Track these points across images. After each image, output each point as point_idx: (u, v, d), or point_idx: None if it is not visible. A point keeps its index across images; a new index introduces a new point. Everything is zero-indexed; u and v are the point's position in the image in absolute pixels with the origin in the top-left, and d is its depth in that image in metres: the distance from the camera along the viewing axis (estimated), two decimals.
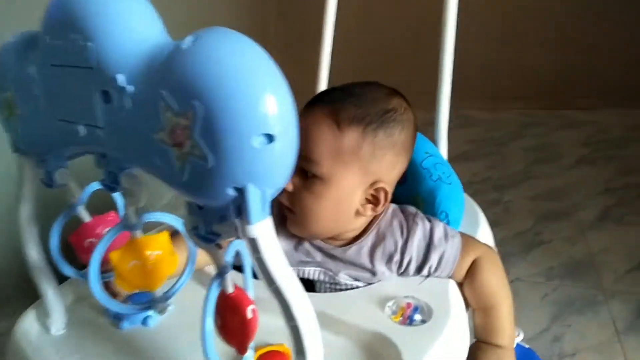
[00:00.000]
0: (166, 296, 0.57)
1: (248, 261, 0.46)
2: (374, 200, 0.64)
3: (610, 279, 1.28)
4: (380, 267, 0.65)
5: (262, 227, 0.36)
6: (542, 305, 1.22)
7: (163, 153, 0.35)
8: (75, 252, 0.62)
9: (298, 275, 0.66)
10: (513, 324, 0.67)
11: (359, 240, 0.66)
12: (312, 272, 0.66)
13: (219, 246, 0.42)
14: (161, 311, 0.58)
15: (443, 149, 0.81)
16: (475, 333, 0.69)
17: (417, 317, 0.58)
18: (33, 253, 0.57)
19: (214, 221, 0.37)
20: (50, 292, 0.60)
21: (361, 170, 0.62)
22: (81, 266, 0.60)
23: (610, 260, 1.35)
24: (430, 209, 0.72)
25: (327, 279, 0.66)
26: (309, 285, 0.66)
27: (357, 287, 0.65)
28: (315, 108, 0.63)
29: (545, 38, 2.37)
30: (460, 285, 0.65)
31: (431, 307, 0.59)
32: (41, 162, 0.51)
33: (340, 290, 0.66)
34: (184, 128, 0.33)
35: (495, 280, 0.65)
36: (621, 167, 1.85)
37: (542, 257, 1.40)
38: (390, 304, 0.60)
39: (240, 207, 0.35)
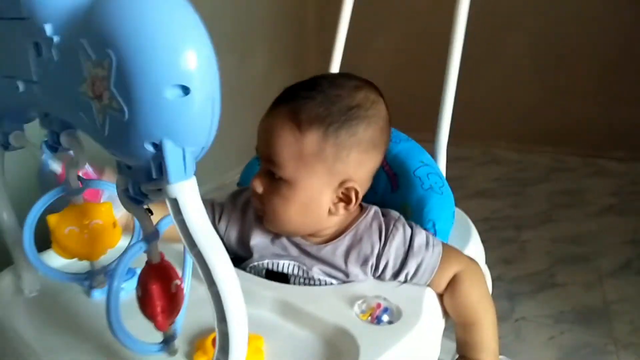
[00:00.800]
0: (106, 269, 0.57)
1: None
2: (345, 199, 0.63)
3: (624, 330, 1.20)
4: (354, 269, 0.64)
5: (184, 188, 0.35)
6: (547, 347, 1.16)
7: (87, 107, 0.35)
8: None
9: (272, 269, 0.65)
10: (496, 339, 0.64)
11: (335, 240, 0.65)
12: (286, 266, 0.65)
13: (150, 211, 0.42)
14: (98, 285, 0.58)
15: (441, 164, 0.79)
16: (457, 349, 0.66)
17: (385, 317, 0.57)
18: (4, 216, 0.59)
19: (141, 181, 0.37)
20: (22, 259, 0.61)
21: (326, 172, 0.61)
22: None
23: (626, 310, 1.27)
24: (418, 218, 0.70)
25: (301, 273, 0.65)
26: (284, 279, 0.65)
27: (331, 284, 0.64)
28: (278, 108, 0.62)
29: (583, 85, 2.33)
30: (441, 297, 0.63)
31: (401, 310, 0.57)
32: None
33: (314, 285, 0.64)
34: (102, 79, 0.32)
35: (477, 295, 0.63)
36: None
37: (553, 299, 1.33)
38: (359, 302, 0.58)
39: (161, 165, 0.34)
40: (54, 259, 0.63)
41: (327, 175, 0.61)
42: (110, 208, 0.54)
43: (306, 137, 0.59)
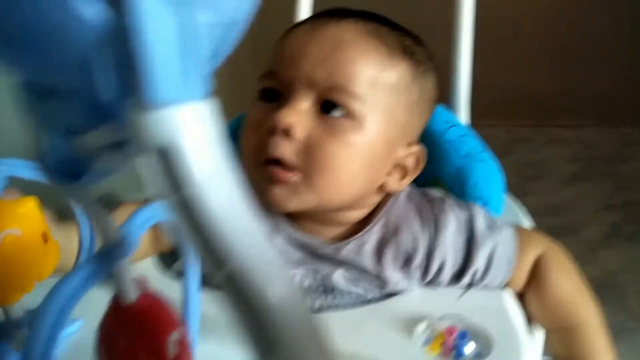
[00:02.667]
0: (28, 317, 0.32)
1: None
2: (402, 170, 0.46)
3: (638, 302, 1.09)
4: (393, 273, 0.44)
5: (184, 119, 0.15)
6: None
7: None
8: None
9: None
10: (609, 345, 0.46)
11: (360, 234, 0.45)
12: (296, 277, 0.44)
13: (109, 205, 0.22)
14: (16, 346, 0.33)
15: (464, 121, 0.61)
16: None
17: (468, 348, 0.37)
18: None
19: (80, 122, 0.16)
20: None
21: (404, 121, 0.44)
22: None
23: (633, 280, 1.17)
24: (459, 196, 0.51)
25: (316, 283, 0.44)
26: None
27: (359, 294, 0.43)
28: (350, 21, 0.43)
29: (530, 55, 2.30)
30: (520, 296, 0.45)
31: (487, 331, 0.38)
32: None
33: (336, 298, 0.44)
34: None
35: (571, 286, 0.46)
36: (618, 184, 1.72)
37: None
38: (421, 327, 0.38)
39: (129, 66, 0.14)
40: None
41: (403, 126, 0.44)
42: (35, 208, 0.31)
43: (397, 68, 0.43)
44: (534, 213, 1.53)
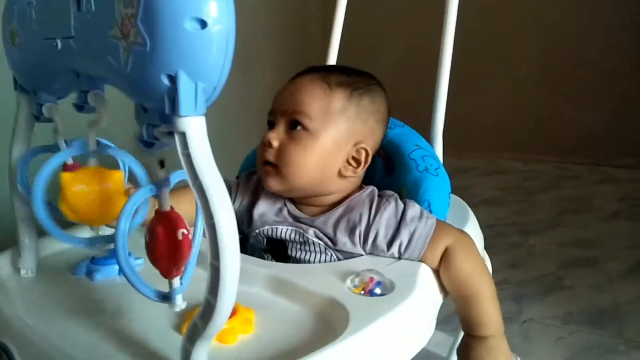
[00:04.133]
0: (107, 239, 0.57)
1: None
2: (355, 162, 0.67)
3: (636, 330, 1.17)
4: (342, 237, 0.65)
5: (193, 123, 0.37)
6: (556, 347, 1.13)
7: (115, 49, 0.39)
8: None
9: (272, 235, 0.68)
10: (498, 311, 0.63)
11: (329, 212, 0.67)
12: (284, 231, 0.67)
13: (162, 164, 0.43)
14: (99, 253, 0.58)
15: (438, 149, 0.79)
16: (462, 327, 0.66)
17: (378, 290, 0.56)
18: (19, 194, 0.60)
19: (155, 123, 0.40)
20: (27, 235, 0.62)
21: (347, 129, 0.66)
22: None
23: (638, 311, 1.24)
24: (414, 199, 0.69)
25: (298, 238, 0.67)
26: (282, 246, 0.67)
27: (326, 245, 0.65)
28: (308, 72, 0.69)
29: (589, 94, 2.34)
30: (437, 273, 0.62)
31: (395, 283, 0.57)
32: (34, 96, 0.56)
33: (310, 251, 0.66)
34: (131, 17, 0.36)
35: (470, 265, 0.62)
36: None
37: (561, 301, 1.30)
38: (352, 277, 0.58)
39: (174, 101, 0.37)
40: None
41: (346, 131, 0.67)
42: (121, 177, 0.55)
43: (334, 94, 0.66)
44: (560, 244, 1.62)
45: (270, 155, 0.66)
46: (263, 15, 2.19)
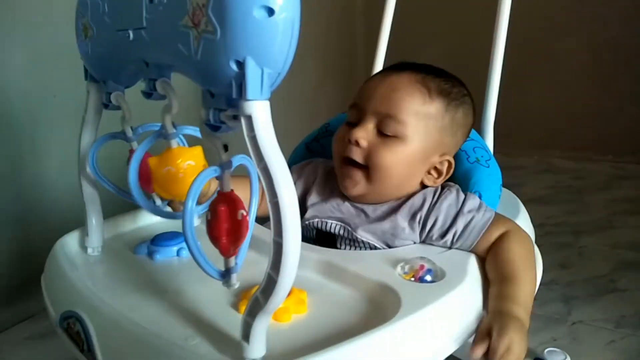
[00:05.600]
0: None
1: (255, 177, 0.48)
2: (436, 172, 0.67)
3: None
4: (402, 222, 0.65)
5: (259, 107, 0.39)
6: (607, 351, 1.09)
7: (185, 37, 0.41)
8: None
9: (321, 228, 0.68)
10: (532, 299, 0.59)
11: (393, 201, 0.68)
12: (333, 226, 0.68)
13: (226, 148, 0.46)
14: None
15: (489, 141, 0.79)
16: (488, 306, 0.59)
17: (428, 277, 0.57)
18: (88, 177, 0.64)
19: (222, 107, 0.42)
20: (93, 217, 0.66)
21: (438, 139, 0.66)
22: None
23: None
24: (465, 190, 0.70)
25: (346, 235, 0.66)
26: (331, 239, 0.68)
27: (375, 247, 0.65)
28: (406, 73, 0.66)
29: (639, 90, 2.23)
30: (483, 260, 0.62)
31: (445, 272, 0.57)
32: (103, 85, 0.60)
33: (358, 248, 0.66)
34: (202, 6, 0.38)
35: (520, 252, 0.61)
36: None
37: (613, 304, 1.25)
38: (402, 264, 0.59)
39: (241, 86, 0.38)
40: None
41: (436, 142, 0.66)
42: (201, 152, 0.58)
43: (434, 103, 0.65)
44: (614, 246, 1.56)
45: (358, 155, 0.65)
46: (310, 12, 2.20)
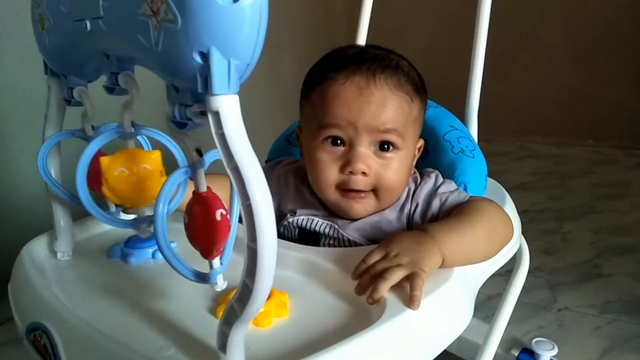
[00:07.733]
0: (150, 218, 0.56)
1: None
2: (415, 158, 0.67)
3: None
4: (390, 215, 0.64)
5: (227, 101, 0.36)
6: (593, 336, 1.09)
7: (145, 27, 0.37)
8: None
9: (306, 226, 0.66)
10: (464, 249, 0.55)
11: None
12: (319, 224, 0.65)
13: (199, 153, 0.43)
14: (143, 232, 0.58)
15: (473, 130, 0.77)
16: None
17: None
18: (52, 173, 0.60)
19: (187, 102, 0.38)
20: (61, 219, 0.63)
21: (419, 132, 0.65)
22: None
23: None
24: None
25: (332, 233, 0.64)
26: (314, 238, 0.65)
27: (361, 245, 0.62)
28: (382, 80, 0.60)
29: (624, 74, 2.24)
30: None
31: None
32: (64, 79, 0.56)
33: (344, 247, 0.64)
34: None
35: (488, 206, 0.59)
36: None
37: (598, 290, 1.26)
38: None
39: (207, 79, 0.35)
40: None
41: (416, 135, 0.65)
42: (159, 156, 0.54)
43: (415, 105, 0.62)
44: (597, 231, 1.57)
45: (364, 185, 0.62)
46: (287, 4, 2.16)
